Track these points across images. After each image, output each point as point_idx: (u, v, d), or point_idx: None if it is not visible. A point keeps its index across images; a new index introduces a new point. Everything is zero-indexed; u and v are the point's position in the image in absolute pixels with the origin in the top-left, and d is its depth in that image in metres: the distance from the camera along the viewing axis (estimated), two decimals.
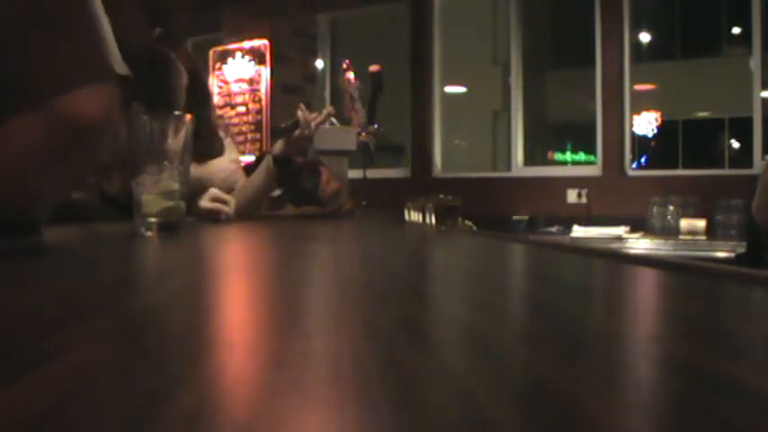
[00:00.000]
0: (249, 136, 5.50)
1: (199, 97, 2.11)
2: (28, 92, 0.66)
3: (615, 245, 4.06)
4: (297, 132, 1.93)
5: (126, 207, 1.20)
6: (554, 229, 4.76)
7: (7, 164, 0.66)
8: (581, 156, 6.70)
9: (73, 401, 0.17)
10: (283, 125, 1.96)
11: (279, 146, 1.97)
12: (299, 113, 1.94)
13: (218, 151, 2.06)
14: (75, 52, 0.68)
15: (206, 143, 1.99)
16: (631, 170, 5.02)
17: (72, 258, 0.69)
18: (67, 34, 0.68)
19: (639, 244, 4.17)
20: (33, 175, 0.68)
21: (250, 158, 2.71)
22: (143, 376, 0.21)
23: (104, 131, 0.72)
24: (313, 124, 1.95)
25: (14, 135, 0.65)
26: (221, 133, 2.14)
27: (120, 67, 0.72)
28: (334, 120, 2.26)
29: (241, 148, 4.50)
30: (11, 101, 0.65)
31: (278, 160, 1.94)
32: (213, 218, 1.68)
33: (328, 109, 2.12)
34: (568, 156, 7.08)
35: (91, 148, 0.74)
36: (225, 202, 1.74)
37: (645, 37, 7.02)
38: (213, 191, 1.72)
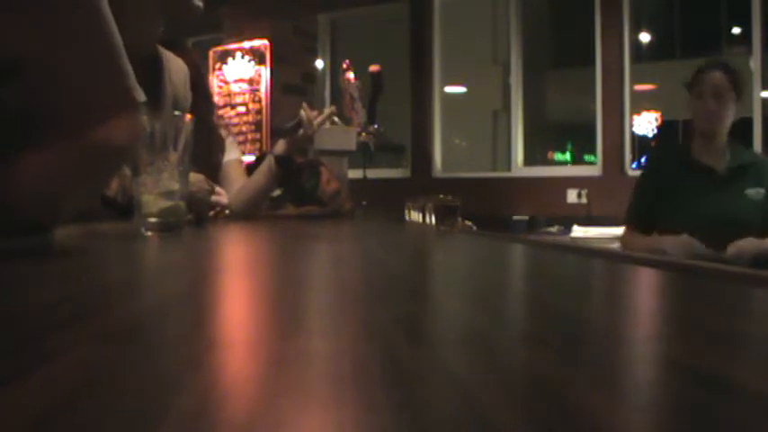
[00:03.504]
0: (249, 136, 5.50)
1: (200, 99, 2.11)
2: (62, 122, 0.72)
3: (615, 245, 4.05)
4: (300, 132, 1.92)
5: (125, 209, 1.20)
6: (554, 229, 4.75)
7: (43, 186, 0.73)
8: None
9: (73, 401, 0.17)
10: (287, 125, 1.95)
11: (281, 146, 1.97)
12: (302, 113, 1.94)
13: (217, 155, 2.07)
14: (106, 84, 0.75)
15: (205, 146, 1.99)
16: (631, 170, 5.02)
17: (77, 258, 0.69)
18: (97, 69, 0.74)
19: None
20: (62, 194, 0.75)
21: (250, 158, 2.71)
22: (143, 376, 0.21)
23: (130, 153, 0.84)
24: (315, 122, 1.94)
25: (52, 162, 0.72)
26: (223, 133, 2.14)
27: (140, 94, 0.79)
28: (336, 119, 2.26)
29: (241, 148, 4.50)
30: (44, 131, 0.72)
31: (280, 160, 1.94)
32: (214, 214, 1.68)
33: (331, 108, 2.12)
34: (568, 156, 7.07)
35: (117, 166, 0.86)
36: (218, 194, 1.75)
37: (645, 37, 7.02)
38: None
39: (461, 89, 6.92)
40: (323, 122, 2.00)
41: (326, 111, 2.04)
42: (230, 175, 2.08)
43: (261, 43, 5.47)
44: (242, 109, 5.57)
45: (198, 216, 1.44)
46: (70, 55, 0.71)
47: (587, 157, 6.84)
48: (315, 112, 1.97)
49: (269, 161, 1.96)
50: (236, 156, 2.15)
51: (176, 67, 1.68)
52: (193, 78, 2.16)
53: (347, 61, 2.63)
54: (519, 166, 5.47)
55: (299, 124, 1.92)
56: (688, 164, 2.27)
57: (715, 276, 0.55)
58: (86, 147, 0.72)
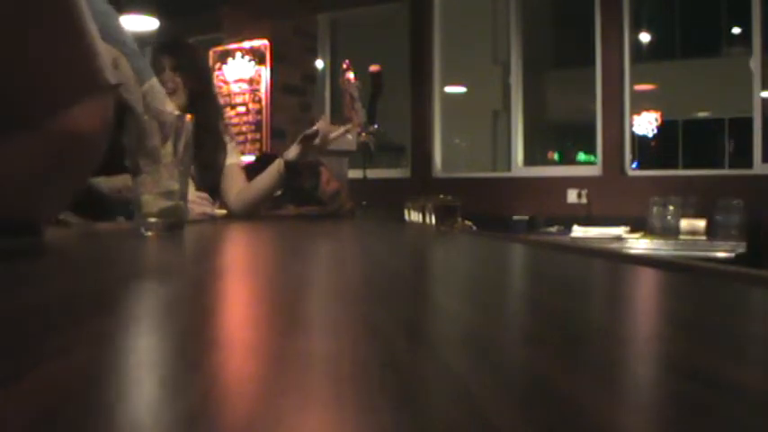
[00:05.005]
0: (249, 136, 5.50)
1: (204, 102, 2.11)
2: (24, 108, 0.64)
3: (615, 245, 4.06)
4: (316, 142, 1.93)
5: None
6: (554, 229, 4.76)
7: (8, 181, 0.65)
8: (581, 156, 6.71)
9: (72, 402, 0.17)
10: (307, 132, 1.95)
11: (294, 151, 1.96)
12: (321, 124, 1.95)
13: (220, 162, 2.07)
14: (71, 67, 0.68)
15: (207, 151, 1.99)
16: (631, 170, 5.02)
17: (71, 258, 0.69)
18: (62, 48, 0.67)
19: (639, 244, 4.17)
20: (34, 190, 0.67)
21: (250, 158, 2.71)
22: (143, 375, 0.21)
23: (102, 143, 0.72)
24: (331, 136, 1.96)
25: (14, 153, 0.64)
26: (226, 138, 2.14)
27: (112, 76, 0.71)
28: (349, 136, 2.30)
29: (241, 148, 4.50)
30: (6, 117, 0.63)
31: (289, 165, 1.94)
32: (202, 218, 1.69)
33: (347, 126, 2.14)
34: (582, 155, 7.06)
35: (89, 159, 0.74)
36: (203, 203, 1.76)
37: (645, 37, 7.03)
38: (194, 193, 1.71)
39: (461, 89, 6.93)
40: (338, 138, 2.02)
41: (342, 128, 2.07)
42: (231, 178, 2.08)
43: (261, 43, 5.47)
44: (242, 109, 5.57)
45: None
46: (33, 31, 0.63)
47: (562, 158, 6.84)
48: (332, 127, 2.00)
49: (278, 165, 1.96)
50: (237, 160, 2.15)
51: None
52: (199, 81, 2.15)
53: (347, 61, 2.63)
54: (519, 166, 5.47)
55: (316, 134, 1.93)
56: None
57: (715, 276, 0.55)
58: (54, 134, 0.65)
